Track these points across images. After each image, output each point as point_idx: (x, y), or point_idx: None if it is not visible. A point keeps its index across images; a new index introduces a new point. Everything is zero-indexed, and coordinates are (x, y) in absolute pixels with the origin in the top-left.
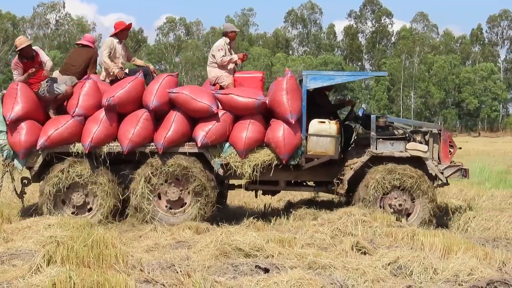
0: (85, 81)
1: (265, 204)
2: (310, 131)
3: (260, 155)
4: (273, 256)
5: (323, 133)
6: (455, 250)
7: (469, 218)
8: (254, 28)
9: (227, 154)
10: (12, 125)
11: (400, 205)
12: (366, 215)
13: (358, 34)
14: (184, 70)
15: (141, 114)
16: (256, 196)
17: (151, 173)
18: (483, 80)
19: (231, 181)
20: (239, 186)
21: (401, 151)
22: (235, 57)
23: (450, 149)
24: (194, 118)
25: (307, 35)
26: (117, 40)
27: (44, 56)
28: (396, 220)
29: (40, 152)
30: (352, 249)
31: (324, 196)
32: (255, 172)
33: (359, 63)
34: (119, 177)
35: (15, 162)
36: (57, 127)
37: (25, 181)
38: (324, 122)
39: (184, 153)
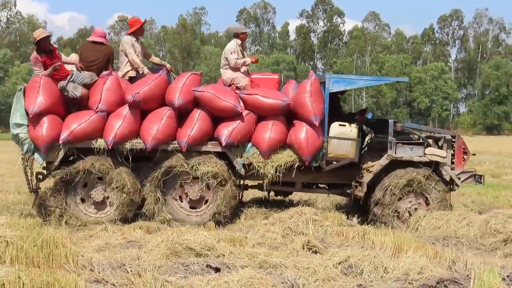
0: (107, 77)
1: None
2: (332, 134)
3: (282, 156)
4: (224, 255)
5: (344, 136)
6: (406, 249)
7: (420, 217)
8: (206, 27)
9: (249, 154)
10: (34, 119)
11: (415, 208)
12: (317, 214)
13: (310, 33)
14: None
15: (164, 112)
16: (268, 197)
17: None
18: (434, 79)
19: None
20: (252, 187)
21: (420, 156)
22: (248, 60)
23: (463, 155)
24: (217, 117)
25: (260, 34)
26: (135, 38)
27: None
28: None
29: (61, 147)
30: (303, 248)
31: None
32: (277, 173)
33: (311, 62)
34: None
35: (36, 156)
36: (80, 122)
37: (40, 176)
38: (344, 125)
39: (207, 152)
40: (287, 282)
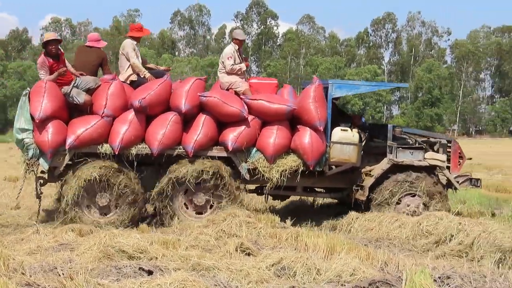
0: (111, 81)
1: (155, 206)
2: (334, 138)
3: (287, 161)
4: (157, 258)
5: (346, 141)
6: (338, 250)
7: (352, 219)
8: None
9: (254, 159)
10: (40, 124)
11: (414, 211)
12: (251, 216)
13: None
14: None
15: (170, 117)
16: (266, 201)
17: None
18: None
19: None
20: (250, 191)
21: (420, 160)
22: (243, 66)
23: (459, 159)
24: (222, 122)
25: (194, 36)
26: (136, 42)
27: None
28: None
29: (66, 152)
30: (237, 250)
31: None
32: (282, 178)
33: None
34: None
35: (41, 161)
36: (86, 127)
37: (41, 180)
38: (346, 130)
39: (212, 157)
40: (220, 285)
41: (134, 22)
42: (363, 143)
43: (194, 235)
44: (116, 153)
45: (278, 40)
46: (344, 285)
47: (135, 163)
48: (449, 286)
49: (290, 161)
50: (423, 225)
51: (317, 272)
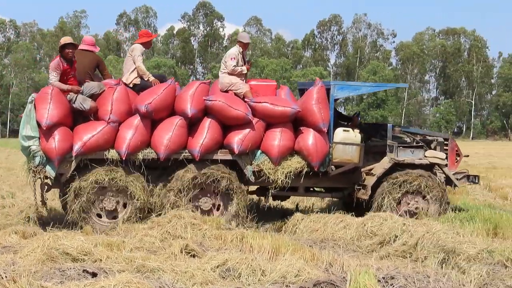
0: (115, 86)
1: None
2: (336, 139)
3: (292, 163)
4: (101, 260)
5: (349, 141)
6: (283, 251)
7: (298, 220)
8: (86, 31)
9: (259, 161)
10: (46, 131)
11: (416, 208)
12: (196, 218)
13: (191, 37)
14: (13, 72)
15: (176, 121)
16: (266, 202)
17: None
18: None
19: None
20: (251, 192)
21: (421, 158)
22: (244, 69)
23: (456, 157)
24: (227, 125)
25: None
26: (144, 49)
27: None
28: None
29: (73, 159)
30: (181, 252)
31: None
32: (287, 179)
33: (191, 66)
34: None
35: (47, 168)
36: (92, 133)
37: (46, 186)
38: (348, 130)
39: (217, 160)
40: (164, 286)
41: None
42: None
43: (139, 237)
44: (124, 158)
45: (224, 42)
46: (289, 286)
47: (142, 168)
48: (393, 286)
49: (295, 163)
50: (368, 226)
51: (262, 273)
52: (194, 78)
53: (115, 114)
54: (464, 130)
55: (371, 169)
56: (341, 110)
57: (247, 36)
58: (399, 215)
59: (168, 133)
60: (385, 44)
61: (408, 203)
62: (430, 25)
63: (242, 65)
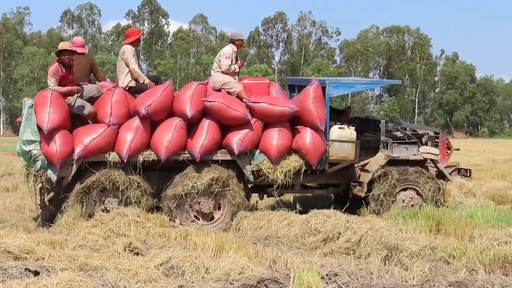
0: (114, 89)
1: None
2: (332, 137)
3: (290, 161)
4: (43, 258)
5: (344, 139)
6: (227, 249)
7: (241, 218)
8: (29, 27)
9: (258, 161)
10: (47, 135)
11: (412, 205)
12: (140, 216)
13: None
14: None
15: (175, 122)
16: (261, 199)
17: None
18: None
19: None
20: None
21: (415, 154)
22: (237, 67)
23: (447, 150)
24: (226, 126)
25: (84, 35)
26: (134, 48)
27: None
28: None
29: (74, 162)
30: (125, 250)
31: None
32: (286, 178)
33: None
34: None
35: (49, 172)
36: (93, 136)
37: (43, 190)
38: (343, 128)
39: (217, 161)
40: (107, 284)
41: (23, 21)
42: None
43: (82, 235)
44: (125, 161)
45: (169, 39)
46: (233, 283)
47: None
48: (337, 283)
49: (293, 162)
50: (312, 223)
51: (206, 271)
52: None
53: (115, 117)
54: None
55: (365, 165)
56: None
57: (241, 34)
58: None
59: (168, 135)
60: (329, 41)
61: (403, 200)
62: (374, 23)
63: (235, 64)
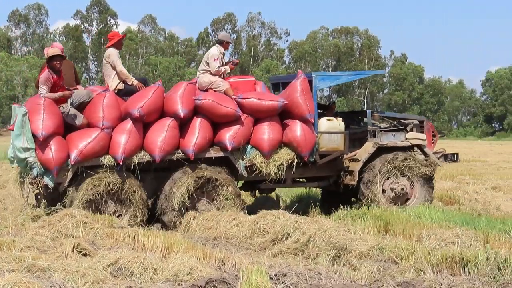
0: (105, 93)
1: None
2: (321, 129)
3: (282, 155)
4: None
5: (333, 130)
6: (176, 250)
7: (190, 218)
8: None
9: (251, 156)
10: (42, 142)
11: (402, 189)
12: (88, 216)
13: (84, 34)
14: None
15: (167, 122)
16: (254, 196)
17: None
18: None
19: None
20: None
21: (402, 141)
22: (228, 69)
23: (432, 138)
24: (217, 123)
25: (32, 35)
26: (118, 50)
27: None
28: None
29: (69, 167)
30: (73, 251)
31: None
32: (279, 171)
33: (84, 64)
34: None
35: (45, 179)
36: (87, 140)
37: (39, 196)
38: (331, 119)
39: (210, 158)
40: (55, 286)
41: None
42: None
43: (30, 236)
44: (120, 163)
45: None
46: (181, 284)
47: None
48: (285, 283)
49: (285, 155)
50: (260, 223)
51: (154, 271)
52: (87, 76)
53: (108, 120)
54: None
55: (352, 157)
56: None
57: (228, 36)
58: (387, 196)
59: (161, 135)
60: (278, 42)
61: (396, 182)
62: (324, 24)
63: (223, 65)
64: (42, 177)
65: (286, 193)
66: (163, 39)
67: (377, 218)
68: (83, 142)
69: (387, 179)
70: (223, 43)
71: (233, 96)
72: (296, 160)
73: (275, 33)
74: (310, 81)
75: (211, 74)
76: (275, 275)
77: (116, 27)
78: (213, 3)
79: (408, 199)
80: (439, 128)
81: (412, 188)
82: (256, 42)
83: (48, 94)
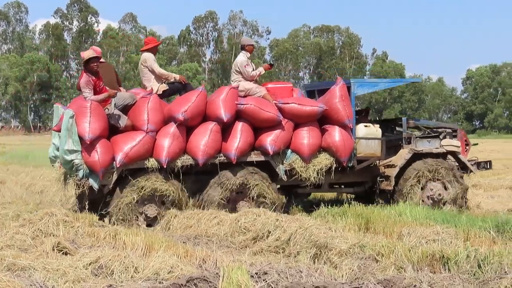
0: (149, 96)
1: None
2: (359, 134)
3: (321, 160)
4: None
5: (371, 136)
6: (157, 248)
7: (171, 217)
8: None
9: (291, 160)
10: (88, 145)
11: (439, 194)
12: (68, 215)
13: (64, 32)
14: None
15: (210, 126)
16: (290, 200)
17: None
18: (189, 80)
19: None
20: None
21: (437, 147)
22: (262, 70)
23: (466, 146)
24: (257, 128)
25: (12, 33)
26: (153, 54)
27: None
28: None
29: (114, 170)
30: (53, 249)
31: None
32: (319, 176)
33: (64, 62)
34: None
35: (90, 181)
36: (132, 143)
37: (81, 198)
38: (369, 126)
39: (251, 162)
40: (35, 284)
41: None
42: None
43: (10, 235)
44: (164, 166)
45: (99, 38)
46: (162, 282)
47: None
48: (266, 281)
49: (324, 160)
50: (241, 222)
51: (135, 270)
52: (68, 74)
53: (152, 123)
54: None
55: (388, 162)
56: None
57: (250, 39)
58: (423, 201)
59: (204, 139)
60: (260, 40)
61: (432, 189)
62: (306, 22)
63: (253, 69)
64: (88, 179)
65: None
66: (143, 37)
67: (358, 216)
68: (128, 145)
69: (425, 184)
70: (246, 47)
71: (273, 101)
72: (334, 165)
73: (257, 31)
74: (348, 88)
75: (244, 80)
76: (256, 273)
77: (97, 25)
78: (194, 1)
79: (444, 204)
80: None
81: (447, 193)
82: (237, 40)
83: (94, 96)
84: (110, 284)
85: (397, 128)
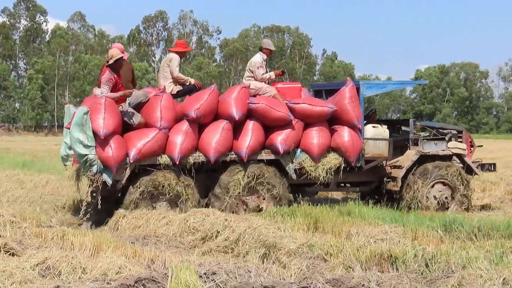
0: (162, 94)
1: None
2: (367, 135)
3: (331, 159)
4: None
5: (379, 137)
6: (105, 249)
7: (120, 217)
8: None
9: (300, 159)
10: (102, 140)
11: (446, 197)
12: (16, 215)
13: (11, 31)
14: None
15: (222, 125)
16: (296, 200)
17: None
18: (138, 80)
19: None
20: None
21: (444, 150)
22: (272, 75)
23: (470, 147)
24: (268, 126)
25: None
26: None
27: None
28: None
29: (127, 165)
30: (0, 250)
31: None
32: (328, 175)
33: (13, 62)
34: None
35: (104, 176)
36: (146, 140)
37: (94, 194)
38: (377, 127)
39: (261, 160)
40: None
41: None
42: None
43: None
44: (177, 163)
45: (47, 37)
46: (110, 283)
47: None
48: (215, 281)
49: (333, 159)
50: (190, 222)
51: (83, 271)
52: (16, 74)
53: (165, 121)
54: None
55: (394, 163)
56: None
57: (271, 43)
58: (428, 201)
59: (215, 136)
60: (210, 40)
61: (440, 190)
62: (256, 22)
63: (266, 72)
64: (101, 174)
65: None
66: (92, 37)
67: (306, 216)
68: (141, 141)
69: (432, 186)
70: (263, 50)
71: (284, 101)
72: (343, 165)
73: (207, 31)
74: (357, 89)
75: (255, 80)
76: (205, 273)
77: (46, 24)
78: (144, 1)
79: (449, 206)
80: None
81: (452, 195)
82: (187, 40)
83: (109, 94)
84: (57, 285)
85: (403, 128)
